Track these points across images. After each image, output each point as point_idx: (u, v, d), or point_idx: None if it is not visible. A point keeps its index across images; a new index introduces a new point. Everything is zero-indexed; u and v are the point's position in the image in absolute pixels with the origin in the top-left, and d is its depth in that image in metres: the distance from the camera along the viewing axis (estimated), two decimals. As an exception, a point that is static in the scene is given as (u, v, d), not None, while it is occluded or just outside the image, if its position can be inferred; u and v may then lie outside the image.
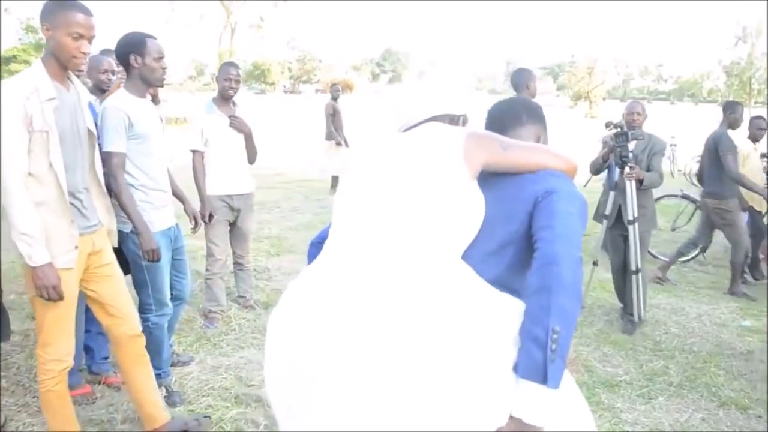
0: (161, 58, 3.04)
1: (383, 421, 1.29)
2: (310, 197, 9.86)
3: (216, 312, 4.32)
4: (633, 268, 4.54)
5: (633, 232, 4.51)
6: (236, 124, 4.27)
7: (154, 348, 3.05)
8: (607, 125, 4.57)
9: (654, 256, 6.48)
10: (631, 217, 4.49)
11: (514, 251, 1.52)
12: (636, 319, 4.57)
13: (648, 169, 4.61)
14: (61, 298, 2.37)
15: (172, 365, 3.51)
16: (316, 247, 1.78)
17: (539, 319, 1.32)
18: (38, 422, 2.94)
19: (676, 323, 4.77)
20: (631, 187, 4.46)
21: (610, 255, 4.95)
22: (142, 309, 3.07)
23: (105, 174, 2.81)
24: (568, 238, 1.40)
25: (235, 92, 4.30)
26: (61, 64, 2.39)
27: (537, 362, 1.30)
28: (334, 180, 9.83)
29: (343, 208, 1.60)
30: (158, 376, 3.04)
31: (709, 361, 4.06)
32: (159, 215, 3.10)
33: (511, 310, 1.42)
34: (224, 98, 4.30)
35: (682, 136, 16.29)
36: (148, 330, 2.99)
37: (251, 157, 4.42)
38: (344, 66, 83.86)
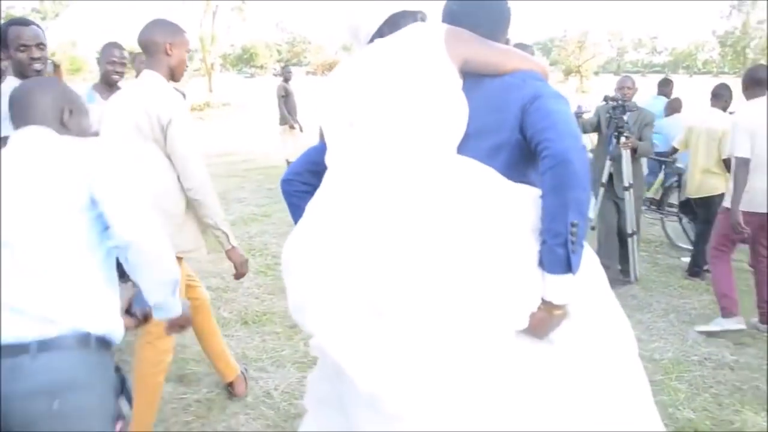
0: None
1: (422, 321, 1.35)
2: (263, 186, 9.28)
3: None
4: (629, 231, 4.92)
5: (629, 197, 4.87)
6: (123, 113, 3.70)
7: None
8: (605, 99, 5.05)
9: None
10: (627, 184, 4.86)
11: (505, 156, 1.53)
12: (633, 279, 5.00)
13: (639, 139, 5.00)
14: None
15: None
16: (289, 183, 1.81)
17: (558, 217, 1.39)
18: None
19: (639, 323, 4.18)
20: (626, 155, 4.85)
21: (603, 221, 5.04)
22: None
23: None
24: (572, 133, 1.42)
25: (120, 77, 3.73)
26: (172, 77, 2.58)
27: (561, 257, 1.39)
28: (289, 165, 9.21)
29: (335, 124, 1.61)
30: None
31: (671, 371, 3.51)
32: None
33: (525, 197, 1.47)
34: (108, 84, 3.74)
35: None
36: None
37: (144, 151, 3.86)
38: (334, 46, 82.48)
